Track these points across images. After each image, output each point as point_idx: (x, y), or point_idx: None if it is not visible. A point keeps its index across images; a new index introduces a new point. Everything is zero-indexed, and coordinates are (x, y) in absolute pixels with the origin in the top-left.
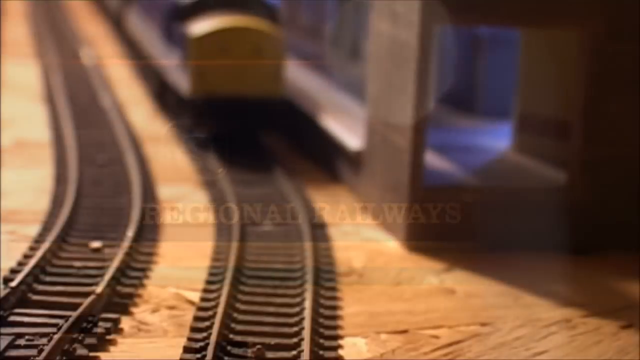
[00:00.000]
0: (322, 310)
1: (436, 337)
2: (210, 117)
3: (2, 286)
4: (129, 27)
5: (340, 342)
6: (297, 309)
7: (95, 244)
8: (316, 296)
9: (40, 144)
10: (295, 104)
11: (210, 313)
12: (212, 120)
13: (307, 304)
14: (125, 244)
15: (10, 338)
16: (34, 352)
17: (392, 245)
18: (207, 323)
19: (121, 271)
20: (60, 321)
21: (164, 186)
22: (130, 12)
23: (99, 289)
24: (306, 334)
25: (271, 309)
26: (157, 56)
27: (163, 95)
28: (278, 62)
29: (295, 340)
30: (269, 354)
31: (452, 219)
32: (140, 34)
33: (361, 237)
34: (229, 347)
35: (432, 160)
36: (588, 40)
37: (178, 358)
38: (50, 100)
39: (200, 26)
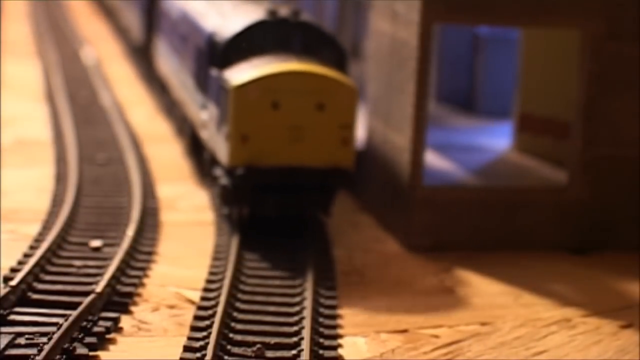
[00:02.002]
0: (322, 310)
1: (436, 336)
2: (255, 195)
3: (2, 285)
4: (157, 62)
5: (340, 341)
6: (297, 308)
7: (95, 243)
8: (316, 295)
9: (40, 143)
10: None
11: (210, 312)
12: (257, 199)
13: (307, 303)
14: (125, 243)
15: (10, 337)
16: (34, 350)
17: (392, 245)
18: (207, 322)
19: (121, 270)
20: (60, 320)
21: (164, 185)
22: (159, 43)
23: (98, 288)
24: (306, 333)
25: (271, 308)
26: (189, 106)
27: (197, 153)
28: (349, 121)
29: (295, 339)
30: (269, 353)
31: (452, 219)
32: (170, 73)
33: (361, 237)
34: (229, 347)
35: (432, 160)
36: (588, 40)
37: (178, 357)
38: (50, 99)
39: (243, 72)
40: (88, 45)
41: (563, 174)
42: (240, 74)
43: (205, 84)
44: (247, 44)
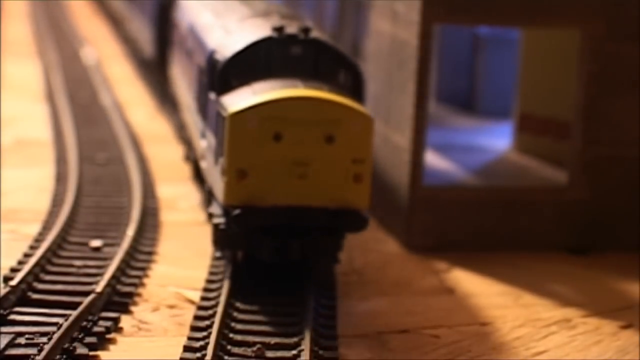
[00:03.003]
0: (322, 310)
1: (436, 336)
2: (253, 238)
3: (2, 285)
4: (170, 78)
5: (340, 341)
6: (297, 309)
7: (96, 243)
8: (317, 295)
9: (40, 143)
10: None
11: (210, 312)
12: (255, 243)
13: (308, 303)
14: (126, 243)
15: (10, 336)
16: (34, 350)
17: (392, 245)
18: (207, 322)
19: (121, 270)
20: (60, 320)
21: (164, 185)
22: (172, 58)
23: (99, 288)
24: (306, 333)
25: (271, 308)
26: (192, 131)
27: (202, 182)
28: (363, 155)
29: (295, 339)
30: (269, 354)
31: (452, 219)
32: (179, 93)
33: (361, 237)
34: (229, 347)
35: (433, 159)
36: (588, 40)
37: (178, 357)
38: (50, 99)
39: (242, 97)
40: (88, 45)
41: (563, 174)
42: (238, 99)
43: (205, 108)
44: (248, 64)
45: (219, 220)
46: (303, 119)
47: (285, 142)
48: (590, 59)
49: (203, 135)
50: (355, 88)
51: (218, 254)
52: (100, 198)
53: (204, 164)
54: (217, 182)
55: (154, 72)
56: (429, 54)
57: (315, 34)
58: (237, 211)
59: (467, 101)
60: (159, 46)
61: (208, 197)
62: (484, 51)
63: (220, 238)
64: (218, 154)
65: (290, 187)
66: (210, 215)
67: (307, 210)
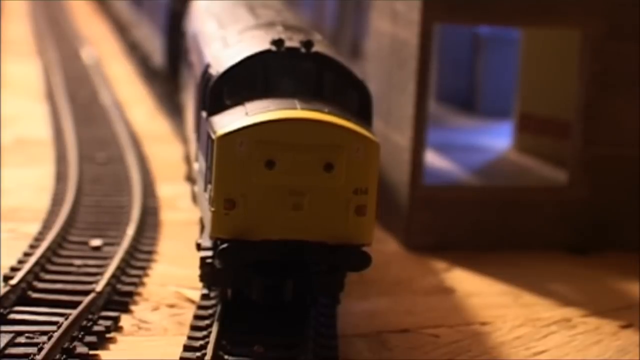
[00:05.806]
0: (322, 309)
1: (436, 336)
2: (242, 276)
3: (2, 284)
4: (180, 90)
5: (340, 341)
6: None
7: (96, 242)
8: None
9: (40, 142)
10: None
11: (210, 312)
12: (245, 281)
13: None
14: (126, 242)
15: (10, 336)
16: (34, 350)
17: (392, 245)
18: (207, 322)
19: (121, 269)
20: (60, 319)
21: (164, 184)
22: (183, 69)
23: (99, 287)
24: (307, 332)
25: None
26: (191, 151)
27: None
28: (366, 185)
29: (295, 339)
30: (269, 353)
31: (452, 219)
32: (185, 107)
33: None
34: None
35: (433, 159)
36: (588, 40)
37: (178, 357)
38: (50, 98)
39: (232, 117)
40: (88, 44)
41: (563, 174)
42: (228, 120)
43: (198, 128)
44: (243, 81)
45: (206, 253)
46: (299, 144)
47: (279, 169)
48: (591, 58)
49: (197, 158)
50: (362, 109)
51: (205, 291)
52: (100, 197)
53: (196, 189)
54: (206, 212)
55: (164, 84)
56: (429, 53)
57: (318, 47)
58: (223, 245)
59: (467, 101)
60: (170, 56)
61: (200, 225)
62: (484, 51)
63: (207, 274)
64: (207, 180)
65: (283, 220)
66: (198, 247)
67: (302, 246)
